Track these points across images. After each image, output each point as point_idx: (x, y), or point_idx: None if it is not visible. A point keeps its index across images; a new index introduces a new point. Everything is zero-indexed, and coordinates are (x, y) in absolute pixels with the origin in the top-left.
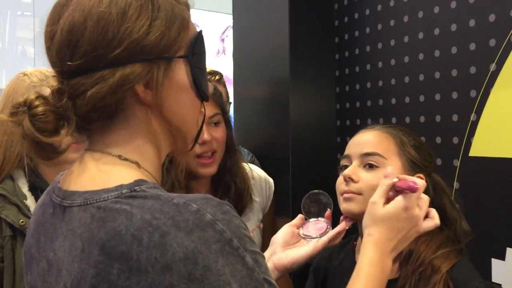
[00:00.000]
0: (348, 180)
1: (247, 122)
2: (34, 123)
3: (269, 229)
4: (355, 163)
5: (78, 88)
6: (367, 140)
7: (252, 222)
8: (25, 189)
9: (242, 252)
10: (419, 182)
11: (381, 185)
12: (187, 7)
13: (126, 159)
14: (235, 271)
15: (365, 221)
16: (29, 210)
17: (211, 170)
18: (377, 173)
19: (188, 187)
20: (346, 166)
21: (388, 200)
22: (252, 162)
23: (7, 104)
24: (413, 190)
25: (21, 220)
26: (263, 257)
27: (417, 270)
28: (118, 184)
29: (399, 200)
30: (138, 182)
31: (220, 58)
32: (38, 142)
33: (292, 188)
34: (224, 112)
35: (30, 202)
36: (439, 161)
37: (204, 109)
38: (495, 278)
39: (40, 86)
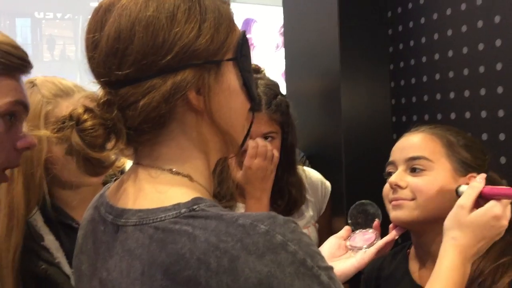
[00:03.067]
0: (395, 187)
1: (297, 119)
2: (84, 138)
3: (326, 230)
4: (400, 168)
5: (127, 98)
6: (412, 144)
7: (307, 218)
8: (39, 223)
9: (317, 271)
10: None
11: (472, 188)
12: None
13: (178, 173)
14: None
15: (449, 223)
16: (49, 252)
17: None
18: (425, 177)
19: (242, 193)
20: (392, 173)
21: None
22: (303, 164)
23: None
24: None
25: (42, 267)
26: (333, 271)
27: (476, 280)
28: (176, 203)
29: (490, 208)
30: (196, 201)
31: (279, 52)
32: (87, 158)
33: (346, 189)
34: (284, 128)
35: (49, 242)
36: (503, 160)
37: (253, 114)
38: None
39: (55, 102)
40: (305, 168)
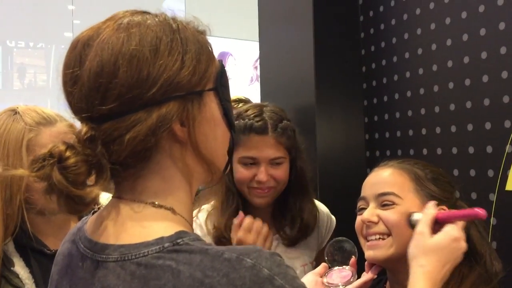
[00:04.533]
0: (369, 224)
1: None
2: (67, 176)
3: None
4: (372, 205)
5: (111, 133)
6: (381, 179)
7: (305, 258)
8: (10, 249)
9: None
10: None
11: (426, 215)
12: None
13: (160, 206)
14: None
15: (413, 251)
16: (18, 278)
17: (263, 201)
18: (395, 209)
19: (249, 213)
20: (363, 209)
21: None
22: None
23: None
24: (480, 216)
25: None
26: None
27: None
28: (158, 237)
29: (448, 231)
30: (180, 234)
31: (253, 86)
32: (69, 196)
33: None
34: (291, 153)
35: (19, 268)
36: (474, 195)
37: (233, 141)
38: None
39: (38, 130)
40: (316, 201)
